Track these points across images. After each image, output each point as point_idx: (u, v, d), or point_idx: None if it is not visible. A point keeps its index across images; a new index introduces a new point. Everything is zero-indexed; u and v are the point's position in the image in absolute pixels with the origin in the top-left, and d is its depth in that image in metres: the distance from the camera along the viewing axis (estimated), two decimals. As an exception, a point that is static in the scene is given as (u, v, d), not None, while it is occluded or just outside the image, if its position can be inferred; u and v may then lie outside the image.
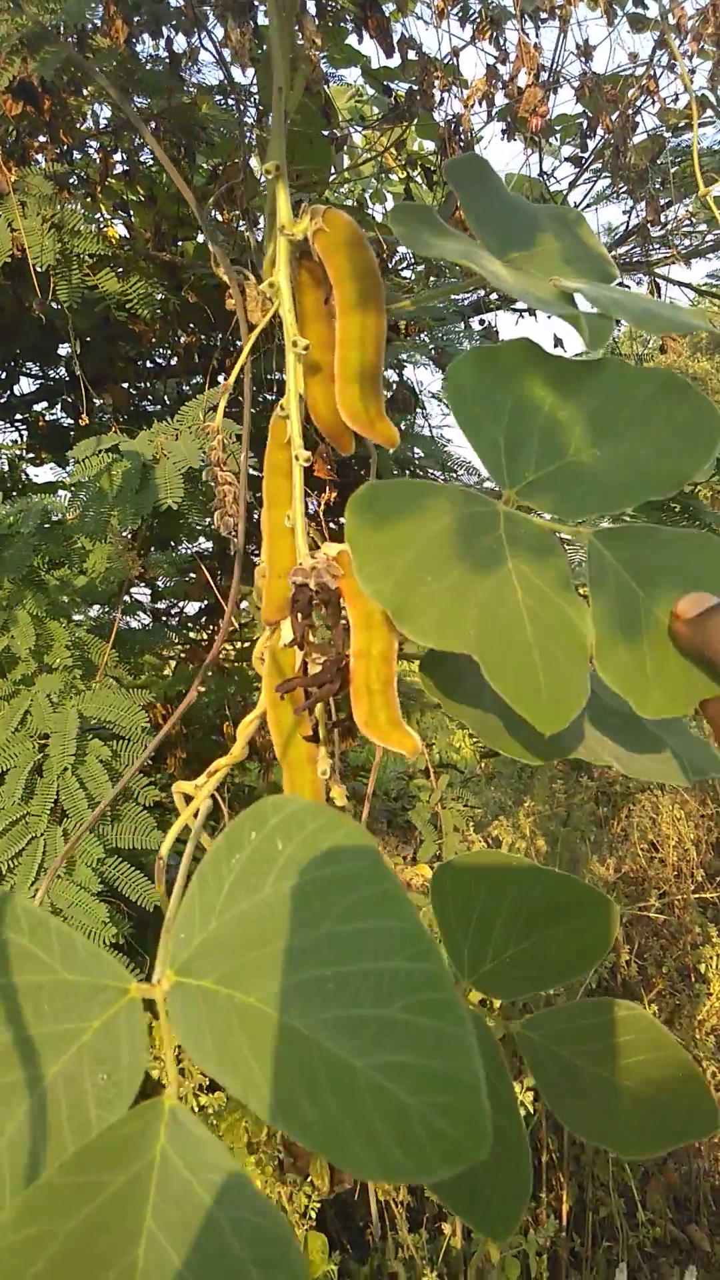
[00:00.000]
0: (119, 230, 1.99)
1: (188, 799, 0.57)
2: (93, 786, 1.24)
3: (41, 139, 1.54)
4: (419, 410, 2.67)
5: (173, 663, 2.81)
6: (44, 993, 0.33)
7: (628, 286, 2.50)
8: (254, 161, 1.72)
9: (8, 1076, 0.31)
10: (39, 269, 1.28)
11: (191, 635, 3.09)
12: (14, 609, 1.36)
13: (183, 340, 2.39)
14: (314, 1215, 1.48)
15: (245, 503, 0.58)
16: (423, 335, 2.23)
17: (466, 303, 2.26)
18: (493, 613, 0.39)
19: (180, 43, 1.48)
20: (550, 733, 0.37)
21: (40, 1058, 0.32)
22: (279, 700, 0.55)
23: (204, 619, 2.88)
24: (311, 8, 1.48)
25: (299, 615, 0.50)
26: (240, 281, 0.58)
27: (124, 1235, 0.28)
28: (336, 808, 0.54)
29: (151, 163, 1.85)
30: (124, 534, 1.36)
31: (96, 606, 1.69)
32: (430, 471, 2.73)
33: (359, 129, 2.06)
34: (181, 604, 3.12)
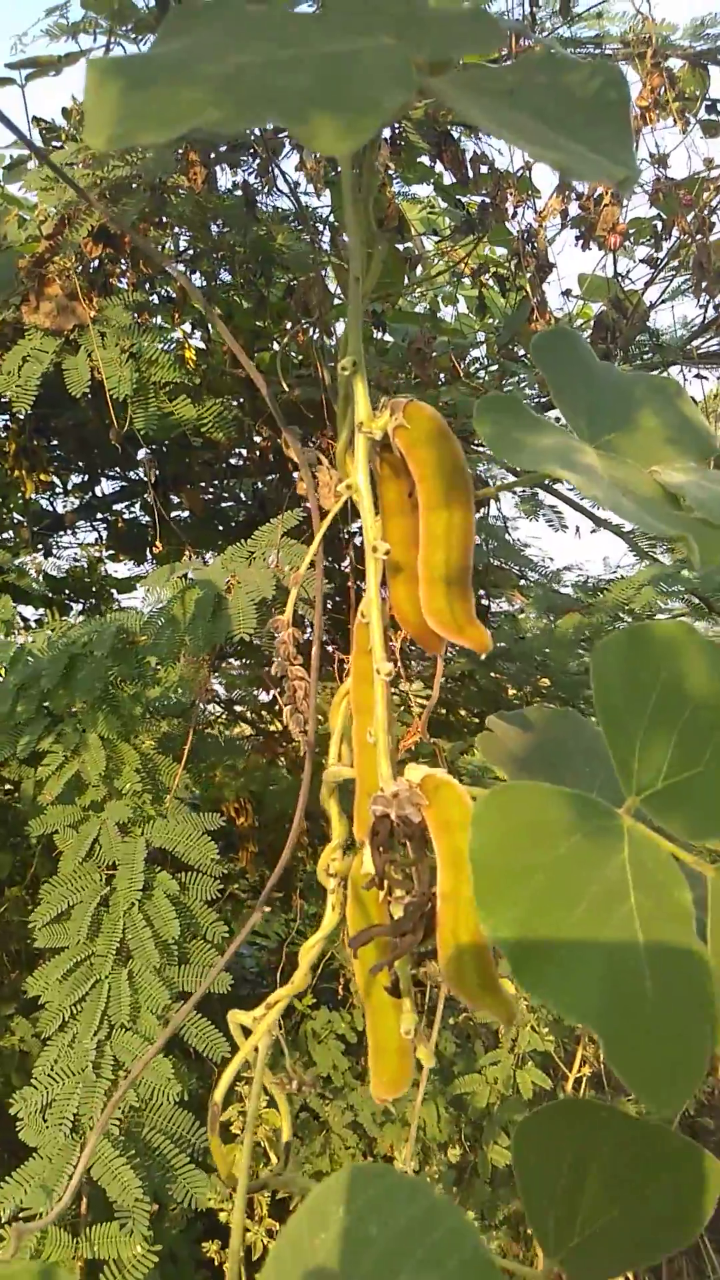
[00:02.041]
0: (196, 344, 2.04)
1: (246, 1032, 0.52)
2: (159, 923, 1.19)
3: (123, 265, 1.59)
4: (493, 501, 2.65)
5: (246, 753, 2.78)
6: None
7: (706, 377, 2.45)
8: (328, 273, 1.74)
9: None
10: (116, 399, 1.30)
11: (264, 727, 3.07)
12: (85, 733, 1.35)
13: (258, 441, 2.42)
14: None
15: (315, 699, 0.54)
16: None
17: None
18: (615, 967, 0.34)
19: (254, 179, 1.52)
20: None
21: None
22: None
23: (277, 707, 2.86)
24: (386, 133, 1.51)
25: (379, 850, 0.45)
26: (313, 463, 0.55)
27: None
28: (421, 1068, 0.47)
29: (229, 280, 1.90)
30: (199, 658, 1.34)
31: (168, 721, 1.68)
32: (504, 563, 2.68)
33: (432, 237, 2.09)
34: (255, 691, 3.12)
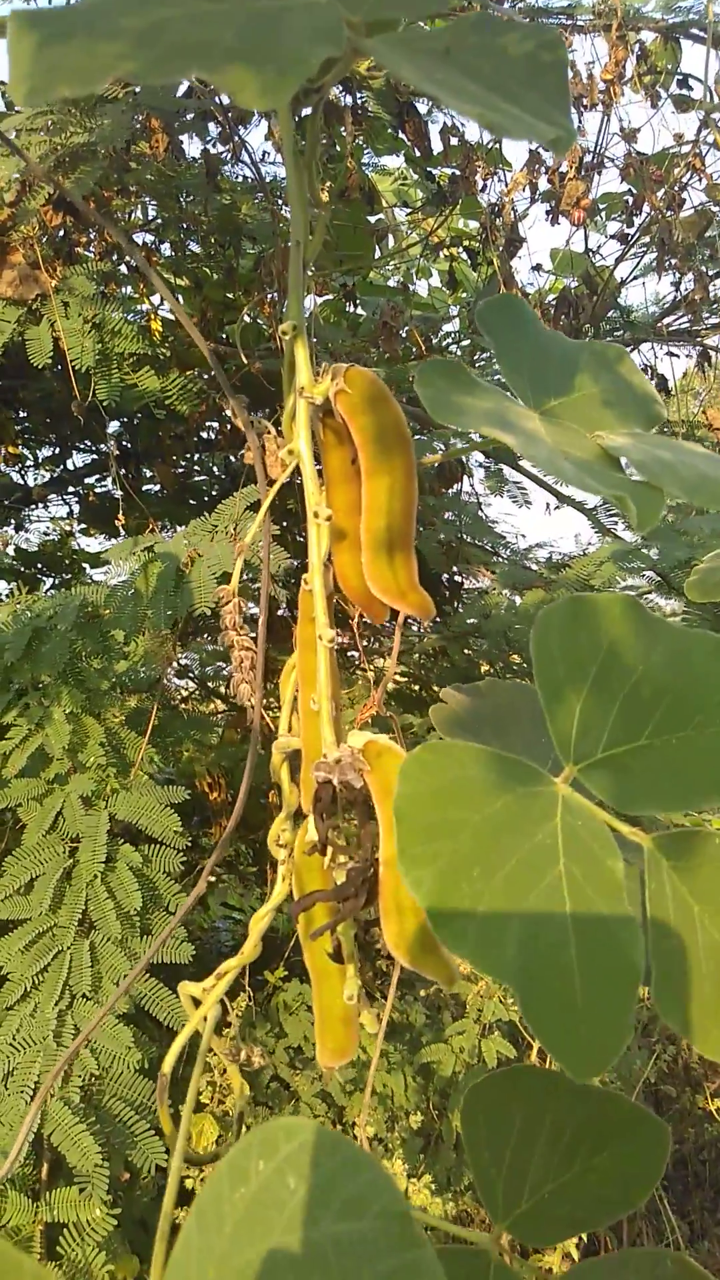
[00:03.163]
0: (165, 314, 2.02)
1: (196, 1003, 0.52)
2: (121, 895, 1.20)
3: (89, 234, 1.56)
4: (466, 478, 2.65)
5: (219, 730, 2.78)
6: None
7: (677, 355, 2.45)
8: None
9: None
10: (79, 370, 1.28)
11: (237, 702, 3.06)
12: (50, 706, 1.34)
13: (229, 415, 2.39)
14: None
15: (262, 669, 0.54)
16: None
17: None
18: (538, 930, 0.34)
19: (219, 148, 1.50)
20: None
21: None
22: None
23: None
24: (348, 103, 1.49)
25: (322, 816, 0.45)
26: (260, 432, 0.55)
27: None
28: (368, 1033, 0.48)
29: (199, 250, 1.87)
30: (162, 632, 1.33)
31: (137, 696, 1.67)
32: (476, 539, 2.68)
33: (404, 210, 2.07)
34: (227, 667, 3.10)
